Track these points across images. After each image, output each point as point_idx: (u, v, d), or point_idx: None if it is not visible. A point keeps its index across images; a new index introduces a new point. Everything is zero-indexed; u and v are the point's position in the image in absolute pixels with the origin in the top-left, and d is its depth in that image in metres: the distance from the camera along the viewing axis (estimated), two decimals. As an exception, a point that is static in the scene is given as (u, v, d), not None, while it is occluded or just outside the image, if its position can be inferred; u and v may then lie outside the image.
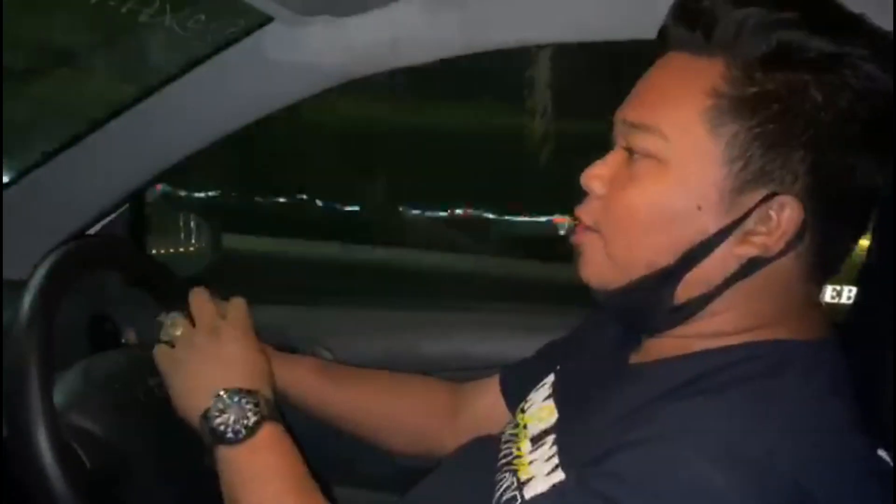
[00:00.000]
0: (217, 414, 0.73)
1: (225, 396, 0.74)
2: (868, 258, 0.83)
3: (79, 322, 1.19)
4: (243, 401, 0.74)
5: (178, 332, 0.81)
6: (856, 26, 0.62)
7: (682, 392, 0.62)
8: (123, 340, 1.20)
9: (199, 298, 0.84)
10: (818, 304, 0.69)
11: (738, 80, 0.61)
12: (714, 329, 0.66)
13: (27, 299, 0.74)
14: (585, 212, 0.69)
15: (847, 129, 0.60)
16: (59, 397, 0.76)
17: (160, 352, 0.81)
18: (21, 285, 0.77)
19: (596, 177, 0.68)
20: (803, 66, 0.60)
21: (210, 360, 0.78)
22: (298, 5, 0.95)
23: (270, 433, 0.74)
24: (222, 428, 0.73)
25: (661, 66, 0.67)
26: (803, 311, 0.67)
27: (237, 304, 0.85)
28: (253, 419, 0.73)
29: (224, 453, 0.73)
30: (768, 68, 0.60)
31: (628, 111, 0.67)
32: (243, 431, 0.72)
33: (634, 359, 0.73)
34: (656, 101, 0.65)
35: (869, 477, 0.59)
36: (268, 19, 1.02)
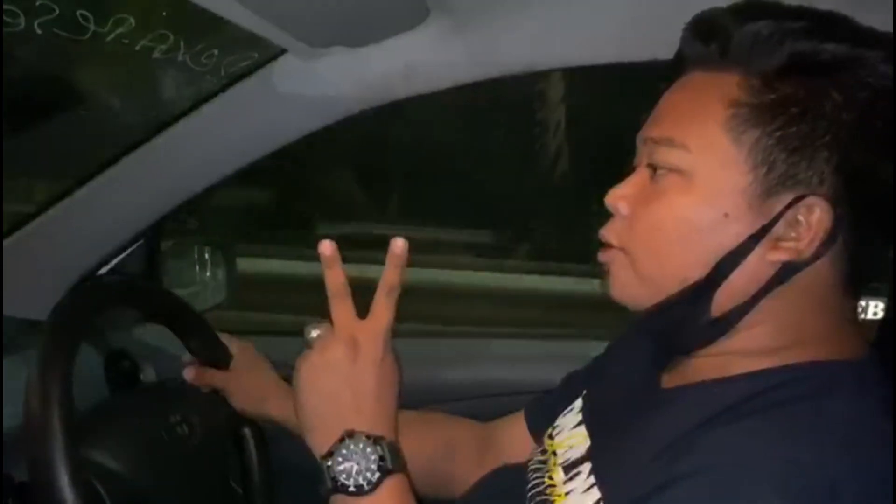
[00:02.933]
0: (340, 460, 0.66)
1: (351, 444, 0.67)
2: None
3: (96, 359, 1.19)
4: (368, 450, 0.66)
5: (314, 335, 0.71)
6: (867, 33, 0.63)
7: (728, 417, 0.60)
8: (142, 377, 1.20)
9: (337, 298, 0.71)
10: (856, 322, 0.68)
11: (756, 88, 0.62)
12: (751, 346, 0.65)
13: (45, 343, 0.74)
14: (610, 232, 0.69)
15: (869, 127, 0.60)
16: (79, 435, 0.75)
17: (300, 360, 0.72)
18: (39, 326, 0.77)
19: (621, 197, 0.68)
20: (819, 70, 0.61)
21: (343, 387, 0.69)
22: (311, 37, 0.95)
23: (392, 487, 0.67)
24: (343, 478, 0.66)
25: (681, 85, 0.68)
26: (842, 329, 0.65)
27: (380, 308, 0.71)
28: (377, 475, 0.66)
29: (340, 502, 0.67)
30: (785, 76, 0.61)
31: (650, 129, 0.68)
32: (365, 486, 0.66)
33: (668, 381, 0.71)
34: (677, 116, 0.66)
35: None
36: (281, 51, 1.02)
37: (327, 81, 1.03)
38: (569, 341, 1.35)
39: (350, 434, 0.67)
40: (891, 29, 0.78)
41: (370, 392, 0.69)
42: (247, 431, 0.98)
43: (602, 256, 0.70)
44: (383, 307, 0.70)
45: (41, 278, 1.11)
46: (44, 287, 1.09)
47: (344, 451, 0.66)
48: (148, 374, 1.21)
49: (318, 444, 0.68)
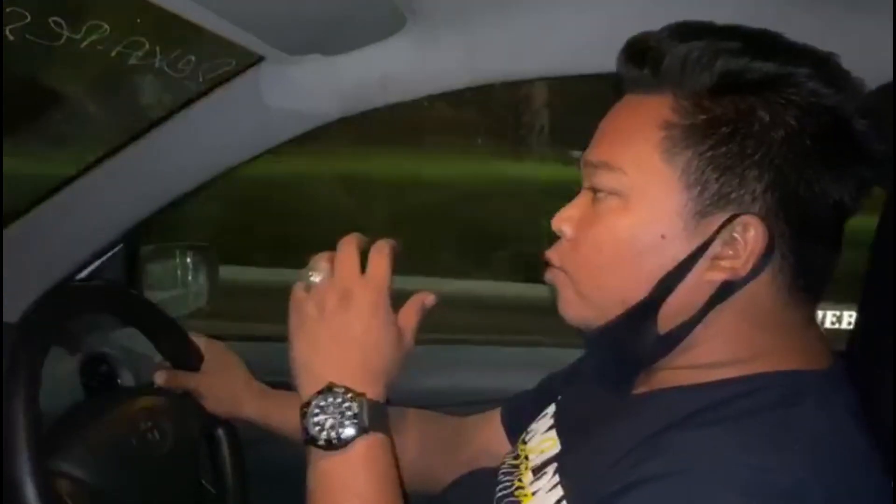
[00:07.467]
0: (316, 412, 0.65)
1: (329, 397, 0.66)
2: (867, 283, 0.82)
3: (73, 363, 1.18)
4: (345, 405, 0.65)
5: (316, 279, 0.71)
6: (797, 51, 0.64)
7: (696, 421, 0.61)
8: (119, 382, 1.20)
9: (346, 247, 0.72)
10: (818, 331, 0.68)
11: (687, 109, 0.63)
12: (709, 359, 0.65)
13: (12, 349, 0.73)
14: (554, 254, 0.71)
15: (797, 144, 0.61)
16: (49, 444, 0.75)
17: (294, 299, 0.71)
18: (11, 329, 0.76)
19: (566, 219, 0.70)
20: (748, 89, 0.62)
21: (330, 338, 0.69)
22: (288, 45, 0.96)
23: (366, 448, 0.66)
24: (317, 430, 0.65)
25: (618, 108, 0.69)
26: (804, 340, 0.66)
27: (378, 261, 0.72)
28: (349, 431, 0.65)
29: (313, 455, 0.67)
30: (715, 96, 0.62)
31: (591, 153, 0.69)
32: (335, 442, 0.65)
33: (637, 388, 0.72)
34: (614, 140, 0.67)
35: None
36: (259, 59, 1.02)
37: (305, 89, 1.03)
38: (547, 349, 1.35)
39: (330, 387, 0.66)
40: (891, 29, 0.78)
41: (357, 346, 0.69)
42: (220, 432, 0.98)
43: (546, 276, 0.72)
44: (378, 262, 0.71)
45: (18, 282, 1.10)
46: (21, 291, 1.09)
47: (322, 404, 0.66)
48: (126, 379, 1.21)
49: (302, 393, 0.68)
